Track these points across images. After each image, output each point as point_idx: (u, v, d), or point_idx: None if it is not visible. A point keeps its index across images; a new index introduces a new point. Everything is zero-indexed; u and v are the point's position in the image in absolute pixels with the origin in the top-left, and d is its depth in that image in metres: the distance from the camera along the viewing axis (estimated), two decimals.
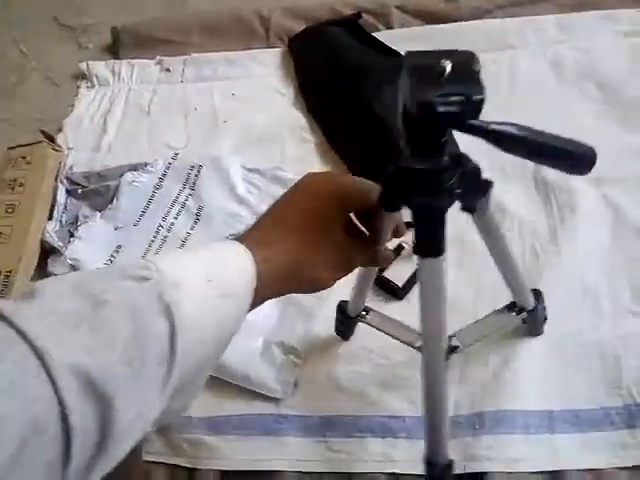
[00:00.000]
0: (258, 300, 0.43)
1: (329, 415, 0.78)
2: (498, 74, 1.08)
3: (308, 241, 0.46)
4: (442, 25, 1.17)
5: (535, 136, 0.41)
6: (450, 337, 0.68)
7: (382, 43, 1.10)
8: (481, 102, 0.39)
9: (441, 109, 0.39)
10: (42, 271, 1.00)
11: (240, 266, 0.42)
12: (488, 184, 0.51)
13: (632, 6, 1.11)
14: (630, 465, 0.68)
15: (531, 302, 0.72)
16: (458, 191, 0.49)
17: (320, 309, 0.87)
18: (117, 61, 1.30)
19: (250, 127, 1.11)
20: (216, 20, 1.31)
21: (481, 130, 0.40)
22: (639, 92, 0.99)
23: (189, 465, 0.77)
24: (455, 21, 1.17)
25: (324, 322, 0.85)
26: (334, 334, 0.84)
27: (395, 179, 0.48)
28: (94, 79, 1.28)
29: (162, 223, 0.98)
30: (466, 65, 0.41)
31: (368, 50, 1.09)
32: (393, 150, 0.92)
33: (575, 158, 0.42)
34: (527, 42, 1.11)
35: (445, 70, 0.40)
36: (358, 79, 1.03)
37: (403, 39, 1.15)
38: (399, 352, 0.79)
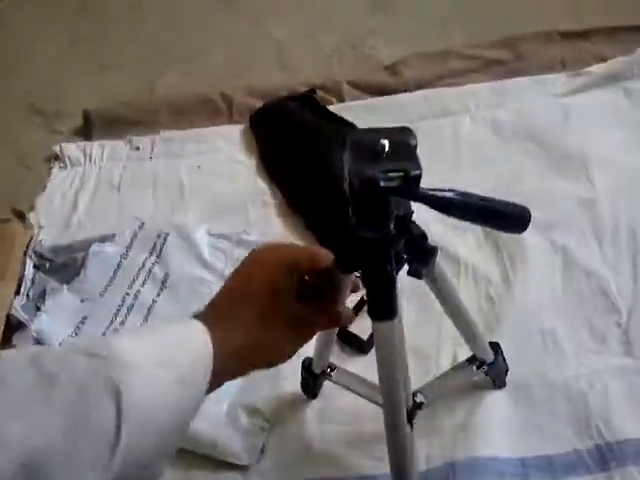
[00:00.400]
0: (216, 384, 0.38)
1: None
2: (443, 138, 1.09)
3: (263, 316, 0.42)
4: (389, 96, 1.18)
5: (472, 200, 0.41)
6: (414, 394, 0.63)
7: (334, 114, 1.10)
8: (419, 176, 0.40)
9: (383, 184, 0.40)
10: (8, 346, 0.92)
11: (197, 349, 0.38)
12: (433, 251, 0.51)
13: (560, 70, 1.14)
14: None
15: (490, 355, 0.68)
16: (405, 256, 0.49)
17: (287, 367, 0.80)
18: (89, 142, 1.27)
19: (215, 197, 1.08)
20: (183, 101, 1.31)
21: (423, 198, 0.41)
22: (574, 145, 0.99)
23: None
24: (401, 92, 1.18)
25: (291, 380, 0.79)
26: (300, 394, 0.78)
27: (345, 245, 0.47)
28: (66, 160, 1.24)
29: (128, 291, 0.92)
30: (403, 142, 0.42)
31: (322, 120, 1.09)
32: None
33: (510, 219, 0.42)
34: (467, 108, 1.12)
35: (384, 148, 0.41)
36: (314, 145, 1.03)
37: (355, 111, 1.15)
38: (367, 409, 0.73)
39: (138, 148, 1.23)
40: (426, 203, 0.40)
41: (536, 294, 0.82)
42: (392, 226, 0.44)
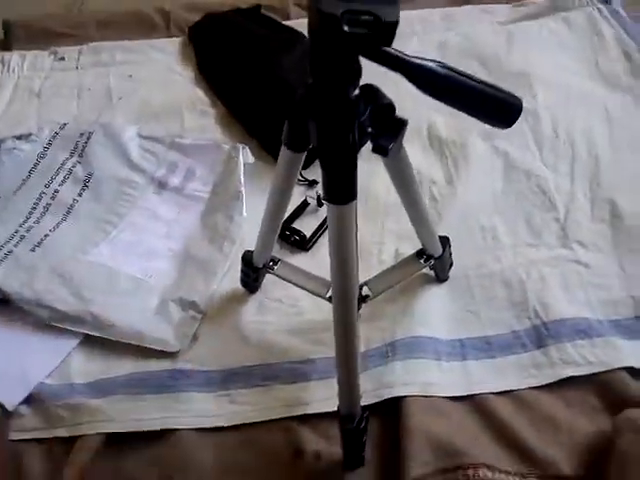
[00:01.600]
0: None
1: (233, 367, 0.66)
2: None
3: None
4: None
5: (460, 79, 0.35)
6: (360, 286, 0.60)
7: (282, 24, 1.06)
8: (394, 25, 0.32)
9: (347, 29, 0.32)
10: None
11: None
12: (402, 123, 0.44)
13: (504, 2, 1.15)
14: (545, 383, 0.62)
15: (439, 250, 0.66)
16: (370, 130, 0.42)
17: (223, 265, 0.76)
18: (7, 52, 1.16)
19: (147, 103, 1.01)
20: (115, 16, 1.21)
21: (396, 61, 0.34)
22: (518, 66, 0.99)
23: (67, 434, 0.61)
24: None
25: (228, 278, 0.75)
26: (240, 288, 0.73)
27: (302, 109, 0.39)
28: None
29: (45, 190, 0.84)
30: None
31: (265, 29, 1.04)
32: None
33: (502, 109, 0.37)
34: (414, 31, 1.11)
35: None
36: (258, 50, 0.97)
37: (301, 30, 1.11)
38: (307, 299, 0.69)
39: (63, 58, 1.13)
40: (400, 70, 0.34)
41: (478, 194, 0.81)
42: (356, 91, 0.37)
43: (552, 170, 0.82)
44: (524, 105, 0.94)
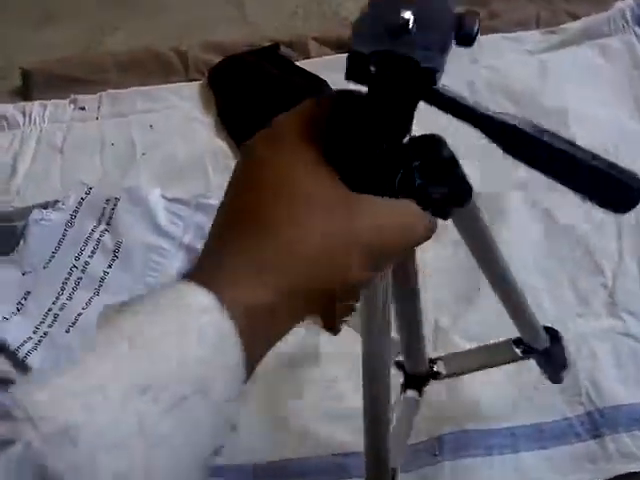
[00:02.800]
0: (257, 359, 0.25)
1: (266, 460, 0.64)
2: None
3: (291, 221, 0.25)
4: None
5: (560, 146, 0.28)
6: (434, 360, 0.56)
7: (300, 68, 1.02)
8: (433, 73, 0.27)
9: (374, 69, 0.27)
10: None
11: (208, 336, 0.21)
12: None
13: (533, 28, 1.09)
14: None
15: (543, 341, 0.56)
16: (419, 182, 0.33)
17: None
18: (28, 102, 1.15)
19: (171, 158, 0.99)
20: (133, 57, 1.19)
21: (469, 111, 0.28)
22: (552, 102, 0.94)
23: None
24: None
25: None
26: (270, 365, 0.71)
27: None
28: (3, 122, 1.12)
29: (75, 264, 0.83)
30: (436, 11, 0.28)
31: (287, 76, 1.00)
32: None
33: (612, 187, 0.28)
34: None
35: (407, 23, 0.27)
36: (280, 102, 0.94)
37: (321, 67, 1.07)
38: (347, 379, 0.67)
39: (83, 108, 1.12)
40: (472, 120, 0.28)
41: (518, 256, 0.77)
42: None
43: (597, 228, 0.78)
44: None
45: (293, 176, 0.26)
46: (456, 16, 0.28)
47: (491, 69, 1.03)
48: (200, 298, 0.22)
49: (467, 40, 0.29)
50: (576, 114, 0.92)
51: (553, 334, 0.58)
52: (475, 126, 0.29)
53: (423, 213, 0.29)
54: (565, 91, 0.96)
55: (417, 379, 0.50)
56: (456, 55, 0.96)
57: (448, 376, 0.57)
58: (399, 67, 0.27)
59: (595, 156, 0.29)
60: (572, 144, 0.30)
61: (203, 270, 0.24)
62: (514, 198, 0.83)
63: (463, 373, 0.59)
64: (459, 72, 1.04)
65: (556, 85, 0.98)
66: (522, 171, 0.84)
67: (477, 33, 0.29)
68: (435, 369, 0.56)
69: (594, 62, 1.02)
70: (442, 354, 0.58)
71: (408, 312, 0.48)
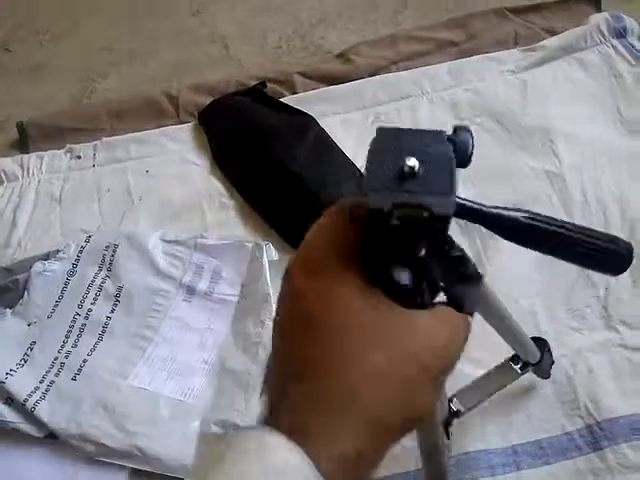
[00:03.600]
0: None
1: None
2: (402, 122, 1.06)
3: (353, 359, 0.25)
4: (343, 85, 1.15)
5: (547, 227, 0.32)
6: (450, 400, 0.58)
7: (287, 105, 1.06)
8: (448, 218, 0.28)
9: (395, 222, 0.28)
10: None
11: None
12: (477, 277, 0.38)
13: (514, 47, 1.13)
14: None
15: (536, 355, 0.61)
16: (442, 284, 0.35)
17: (260, 377, 0.76)
18: (25, 155, 1.20)
19: (168, 201, 1.02)
20: (125, 104, 1.24)
21: (470, 212, 0.32)
22: (535, 120, 0.98)
23: None
24: (355, 79, 1.15)
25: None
26: None
27: None
28: (2, 175, 1.16)
29: (78, 311, 0.86)
30: (438, 157, 0.30)
31: (275, 113, 1.05)
32: (310, 201, 0.86)
33: (607, 256, 0.33)
34: (424, 90, 1.10)
35: (412, 170, 0.28)
36: (269, 140, 0.98)
37: (308, 101, 1.12)
38: None
39: (79, 157, 1.16)
40: (481, 222, 0.32)
41: (510, 273, 0.80)
42: (423, 252, 0.33)
43: None
44: (548, 168, 0.94)
45: (343, 307, 0.26)
46: (451, 143, 0.30)
47: (473, 91, 1.07)
48: (288, 455, 0.22)
49: (465, 163, 0.31)
50: (560, 131, 0.95)
51: (541, 343, 0.62)
52: (484, 225, 0.32)
53: (460, 315, 0.30)
54: (548, 108, 1.00)
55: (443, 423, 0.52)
56: (437, 80, 1.01)
57: (467, 411, 0.59)
58: (417, 218, 0.28)
59: (587, 231, 0.33)
60: (565, 224, 0.33)
61: (281, 422, 0.24)
62: None
63: (478, 404, 0.61)
64: (441, 95, 1.08)
65: (538, 103, 1.01)
66: (504, 191, 0.88)
67: (472, 151, 0.32)
68: (454, 408, 0.58)
69: (574, 76, 1.05)
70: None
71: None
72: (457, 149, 0.30)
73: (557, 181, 0.88)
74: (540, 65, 1.08)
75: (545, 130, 0.96)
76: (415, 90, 1.10)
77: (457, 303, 0.35)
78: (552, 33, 1.14)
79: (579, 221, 0.83)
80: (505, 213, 0.32)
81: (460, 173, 0.30)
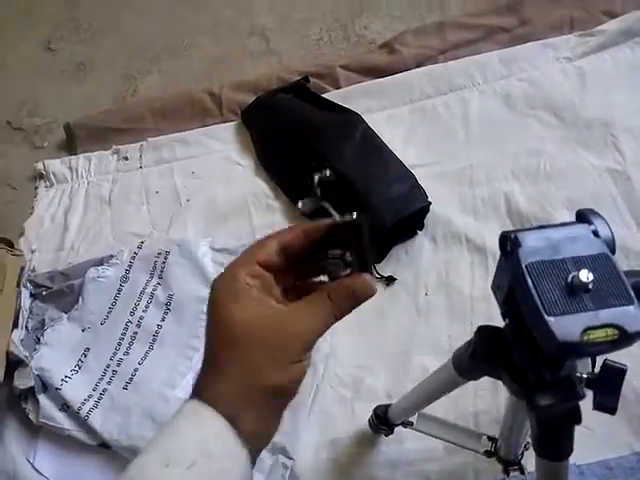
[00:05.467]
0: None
1: None
2: (451, 117, 1.02)
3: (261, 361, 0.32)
4: (388, 77, 1.11)
5: None
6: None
7: (332, 102, 1.04)
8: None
9: (590, 349, 0.28)
10: (9, 385, 0.87)
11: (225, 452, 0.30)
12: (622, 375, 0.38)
13: (570, 32, 1.07)
14: None
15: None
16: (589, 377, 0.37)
17: (307, 401, 0.76)
18: (73, 157, 1.21)
19: (214, 203, 1.02)
20: (168, 103, 1.24)
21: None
22: (595, 112, 0.93)
23: None
24: (400, 71, 1.11)
25: (315, 413, 0.74)
26: (323, 424, 0.73)
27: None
28: (52, 177, 1.19)
29: (130, 318, 0.87)
30: (605, 267, 0.28)
31: (319, 111, 1.02)
32: (359, 202, 0.84)
33: None
34: (474, 81, 1.05)
35: (585, 284, 0.27)
36: (314, 139, 0.96)
37: (353, 96, 1.09)
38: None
39: (127, 158, 1.17)
40: None
41: None
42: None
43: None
44: (610, 165, 0.89)
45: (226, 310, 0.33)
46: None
47: (527, 81, 1.02)
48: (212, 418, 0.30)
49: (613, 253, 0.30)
50: (623, 124, 0.90)
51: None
52: None
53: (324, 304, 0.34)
54: (609, 99, 0.94)
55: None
56: (489, 70, 0.96)
57: None
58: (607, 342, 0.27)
59: None
60: None
61: (208, 390, 0.31)
62: (564, 219, 0.82)
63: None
64: (493, 86, 1.03)
65: (598, 93, 0.96)
66: (564, 190, 0.83)
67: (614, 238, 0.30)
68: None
69: (638, 63, 0.99)
70: None
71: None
72: (605, 244, 0.29)
73: (621, 179, 0.83)
74: (599, 51, 1.02)
75: (606, 123, 0.91)
76: (465, 81, 1.06)
77: (608, 409, 0.36)
78: (612, 16, 1.07)
79: None
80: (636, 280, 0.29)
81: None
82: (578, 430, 0.63)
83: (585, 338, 0.25)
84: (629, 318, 0.25)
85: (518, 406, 0.45)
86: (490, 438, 0.59)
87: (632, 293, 0.26)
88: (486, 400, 0.68)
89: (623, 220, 0.80)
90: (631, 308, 0.26)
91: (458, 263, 0.82)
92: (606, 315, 0.25)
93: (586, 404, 0.64)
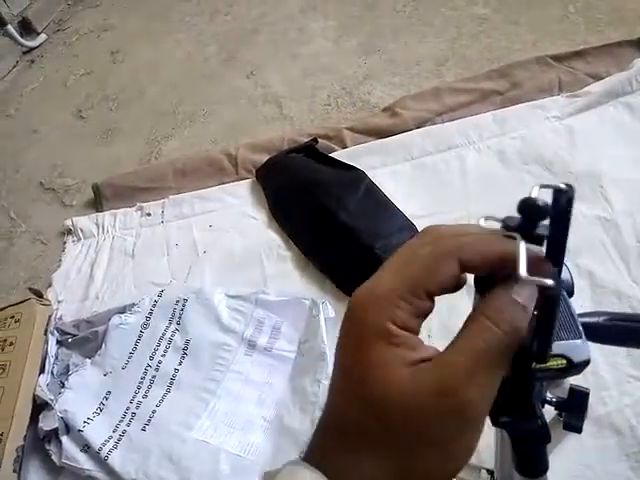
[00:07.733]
0: None
1: None
2: (449, 172, 1.08)
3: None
4: (391, 137, 1.19)
5: (627, 324, 0.35)
6: None
7: (338, 160, 1.11)
8: (586, 364, 0.30)
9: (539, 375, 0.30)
10: (34, 428, 0.91)
11: None
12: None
13: (558, 93, 1.14)
14: None
15: None
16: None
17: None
18: (100, 213, 1.29)
19: (229, 254, 1.08)
20: (188, 164, 1.32)
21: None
22: (584, 166, 0.98)
23: None
24: (402, 132, 1.19)
25: None
26: None
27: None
28: (79, 233, 1.25)
29: (150, 363, 0.91)
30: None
31: (326, 168, 1.09)
32: (364, 252, 0.89)
33: None
34: (470, 140, 1.12)
35: None
36: (321, 194, 1.02)
37: (358, 154, 1.16)
38: None
39: (149, 214, 1.24)
40: None
41: None
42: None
43: None
44: (599, 213, 0.93)
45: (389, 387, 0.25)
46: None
47: (519, 139, 1.08)
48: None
49: (571, 295, 0.33)
50: (610, 176, 0.95)
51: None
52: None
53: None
54: (596, 153, 0.99)
55: None
56: (483, 129, 1.03)
57: None
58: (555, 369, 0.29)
59: None
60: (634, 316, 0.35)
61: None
62: None
63: None
64: (488, 144, 1.10)
65: (586, 148, 1.01)
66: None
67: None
68: None
69: (621, 120, 1.05)
70: None
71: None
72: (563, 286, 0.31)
73: (610, 227, 0.87)
74: (586, 110, 1.09)
75: (594, 175, 0.96)
76: (461, 140, 1.12)
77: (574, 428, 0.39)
78: (596, 78, 1.15)
79: (636, 269, 0.82)
80: (586, 320, 0.33)
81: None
82: (580, 470, 0.65)
83: (537, 366, 0.29)
84: (577, 350, 0.29)
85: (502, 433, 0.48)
86: (489, 471, 0.61)
87: (581, 329, 0.30)
88: (487, 434, 0.70)
89: (614, 265, 0.83)
90: (579, 342, 0.29)
91: (459, 306, 0.85)
92: (557, 347, 0.29)
93: (586, 444, 0.66)
